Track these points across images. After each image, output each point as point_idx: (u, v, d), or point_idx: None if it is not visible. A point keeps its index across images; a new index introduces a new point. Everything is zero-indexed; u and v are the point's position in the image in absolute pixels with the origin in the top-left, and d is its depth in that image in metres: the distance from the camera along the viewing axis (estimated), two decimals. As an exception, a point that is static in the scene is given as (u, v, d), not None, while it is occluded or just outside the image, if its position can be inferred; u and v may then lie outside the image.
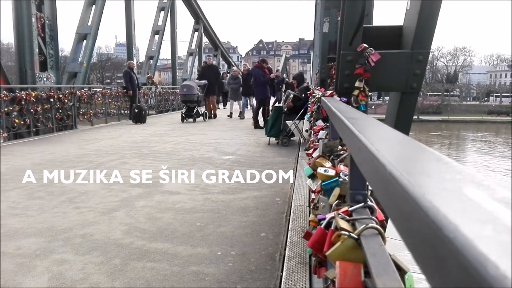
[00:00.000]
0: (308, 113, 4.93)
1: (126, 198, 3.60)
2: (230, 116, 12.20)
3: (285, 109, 6.83)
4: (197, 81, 11.46)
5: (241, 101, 12.20)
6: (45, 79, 8.64)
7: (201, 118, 11.14)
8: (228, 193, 3.79)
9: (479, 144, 27.33)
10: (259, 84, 9.09)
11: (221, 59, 27.28)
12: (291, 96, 6.81)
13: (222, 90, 15.65)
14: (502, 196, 0.34)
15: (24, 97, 7.56)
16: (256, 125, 9.35)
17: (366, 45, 2.98)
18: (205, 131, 8.86)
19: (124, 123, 10.61)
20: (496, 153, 23.13)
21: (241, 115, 12.02)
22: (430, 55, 3.65)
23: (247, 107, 11.86)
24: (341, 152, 1.72)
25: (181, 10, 22.56)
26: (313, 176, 1.81)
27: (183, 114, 10.94)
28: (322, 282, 1.41)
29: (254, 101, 10.44)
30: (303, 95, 6.87)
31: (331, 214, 1.05)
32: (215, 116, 12.06)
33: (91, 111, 9.95)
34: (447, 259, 0.28)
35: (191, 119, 10.84)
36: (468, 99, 53.41)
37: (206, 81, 11.25)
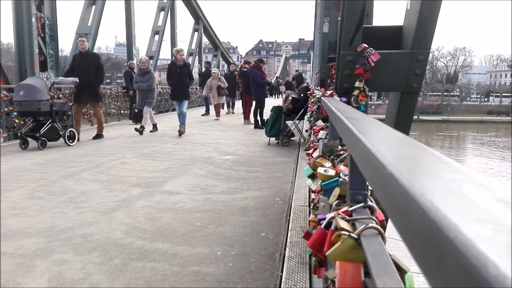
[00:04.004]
0: (308, 113, 4.93)
1: (126, 198, 3.60)
2: (141, 131, 8.04)
3: (285, 110, 6.84)
4: (61, 78, 7.20)
5: (150, 109, 8.33)
6: (45, 79, 8.62)
7: (61, 141, 6.51)
8: (228, 193, 3.79)
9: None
10: (258, 85, 9.17)
11: (221, 59, 27.28)
12: (290, 98, 6.82)
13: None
14: (502, 196, 0.34)
15: (24, 97, 7.53)
16: (256, 125, 9.36)
17: (366, 45, 2.98)
18: (205, 131, 8.86)
19: (124, 123, 10.60)
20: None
21: (182, 130, 8.00)
22: (430, 55, 3.65)
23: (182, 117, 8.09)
24: (341, 152, 1.72)
25: (181, 10, 22.62)
26: (313, 176, 1.81)
27: (23, 135, 6.26)
28: (322, 282, 1.41)
29: (185, 108, 7.99)
30: (301, 95, 6.88)
31: (331, 214, 1.05)
32: (98, 136, 7.44)
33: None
34: (447, 259, 0.28)
35: (38, 144, 6.13)
36: (468, 99, 53.44)
37: (75, 79, 6.81)
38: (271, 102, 10.69)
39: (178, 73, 7.96)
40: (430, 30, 2.85)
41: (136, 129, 8.01)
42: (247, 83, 9.92)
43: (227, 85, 11.90)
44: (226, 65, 28.19)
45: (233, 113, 13.95)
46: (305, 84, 7.83)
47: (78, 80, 6.81)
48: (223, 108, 14.06)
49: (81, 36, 7.63)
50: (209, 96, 12.01)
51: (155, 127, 8.58)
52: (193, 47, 21.88)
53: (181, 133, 7.94)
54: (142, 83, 8.16)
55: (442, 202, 0.33)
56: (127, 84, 11.09)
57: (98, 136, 7.48)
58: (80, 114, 7.40)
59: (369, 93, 3.24)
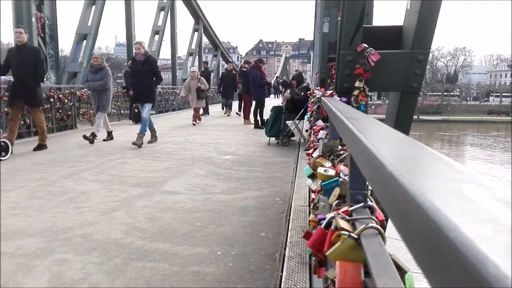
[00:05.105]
0: (308, 113, 4.93)
1: (126, 198, 3.60)
2: (91, 140, 6.65)
3: (283, 104, 6.84)
4: None
5: (101, 113, 6.91)
6: (45, 79, 8.62)
7: None
8: (228, 193, 3.79)
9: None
10: (257, 85, 9.18)
11: (221, 59, 27.28)
12: (288, 91, 6.85)
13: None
14: (502, 196, 0.34)
15: (24, 97, 7.52)
16: (256, 125, 9.36)
17: (366, 45, 2.98)
18: (205, 131, 8.86)
19: (124, 123, 10.60)
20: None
21: (138, 142, 6.42)
22: (430, 55, 3.65)
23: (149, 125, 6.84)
24: (341, 152, 1.72)
25: (181, 10, 22.60)
26: (313, 176, 1.81)
27: None
28: (322, 282, 1.41)
29: (146, 113, 6.65)
30: (302, 93, 6.89)
31: (331, 214, 1.05)
32: (40, 147, 6.08)
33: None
34: (447, 259, 0.28)
35: None
36: (468, 99, 53.42)
37: (8, 78, 5.88)
38: (272, 102, 10.69)
39: (139, 70, 6.62)
40: (430, 30, 2.85)
41: (85, 137, 6.67)
42: (247, 83, 9.93)
43: (208, 86, 10.85)
44: (225, 65, 28.17)
45: (229, 115, 13.40)
46: (305, 84, 7.82)
47: (12, 80, 5.80)
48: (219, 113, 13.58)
49: (18, 27, 6.08)
50: (189, 98, 10.68)
51: (109, 134, 7.21)
52: (193, 47, 21.89)
53: (136, 144, 6.37)
54: (93, 82, 6.85)
55: (442, 202, 0.33)
56: (127, 84, 11.09)
57: (41, 146, 6.11)
58: (16, 120, 6.00)
59: (369, 93, 3.24)
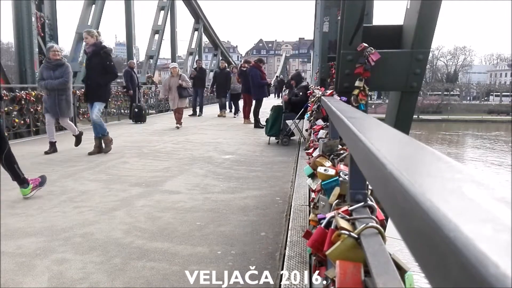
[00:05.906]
0: (308, 113, 4.93)
1: (126, 197, 3.60)
2: (78, 141, 6.09)
3: (282, 103, 6.85)
4: None
5: (64, 118, 5.93)
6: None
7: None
8: (228, 193, 3.79)
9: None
10: (257, 85, 9.19)
11: (221, 58, 27.28)
12: (286, 91, 6.86)
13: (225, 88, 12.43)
14: (502, 196, 0.34)
15: (24, 97, 7.55)
16: (256, 125, 9.36)
17: (366, 45, 2.98)
18: (205, 131, 8.86)
19: (124, 123, 10.60)
20: None
21: (106, 146, 5.86)
22: (430, 54, 3.65)
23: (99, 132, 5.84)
24: (341, 152, 1.72)
25: (181, 10, 22.60)
26: (313, 176, 1.81)
27: None
28: (322, 282, 1.41)
29: (96, 114, 5.74)
30: (300, 93, 6.90)
31: (331, 214, 1.05)
32: None
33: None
34: (447, 258, 0.28)
35: None
36: (468, 98, 53.39)
37: None
38: (272, 102, 10.67)
39: (88, 65, 5.69)
40: (430, 30, 2.85)
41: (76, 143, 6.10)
42: (247, 83, 9.92)
43: (190, 84, 9.80)
44: (226, 64, 28.06)
45: (224, 116, 12.80)
46: (304, 83, 7.83)
47: None
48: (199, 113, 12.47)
49: None
50: (169, 98, 9.69)
51: (53, 146, 5.88)
52: (193, 46, 21.89)
53: (105, 150, 5.79)
54: (51, 80, 5.57)
55: (442, 201, 0.33)
56: (127, 84, 11.11)
57: None
58: None
59: (369, 93, 3.24)
